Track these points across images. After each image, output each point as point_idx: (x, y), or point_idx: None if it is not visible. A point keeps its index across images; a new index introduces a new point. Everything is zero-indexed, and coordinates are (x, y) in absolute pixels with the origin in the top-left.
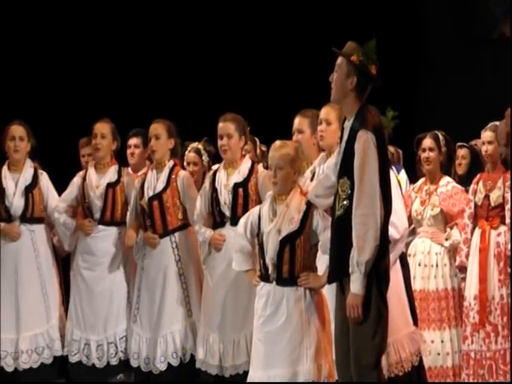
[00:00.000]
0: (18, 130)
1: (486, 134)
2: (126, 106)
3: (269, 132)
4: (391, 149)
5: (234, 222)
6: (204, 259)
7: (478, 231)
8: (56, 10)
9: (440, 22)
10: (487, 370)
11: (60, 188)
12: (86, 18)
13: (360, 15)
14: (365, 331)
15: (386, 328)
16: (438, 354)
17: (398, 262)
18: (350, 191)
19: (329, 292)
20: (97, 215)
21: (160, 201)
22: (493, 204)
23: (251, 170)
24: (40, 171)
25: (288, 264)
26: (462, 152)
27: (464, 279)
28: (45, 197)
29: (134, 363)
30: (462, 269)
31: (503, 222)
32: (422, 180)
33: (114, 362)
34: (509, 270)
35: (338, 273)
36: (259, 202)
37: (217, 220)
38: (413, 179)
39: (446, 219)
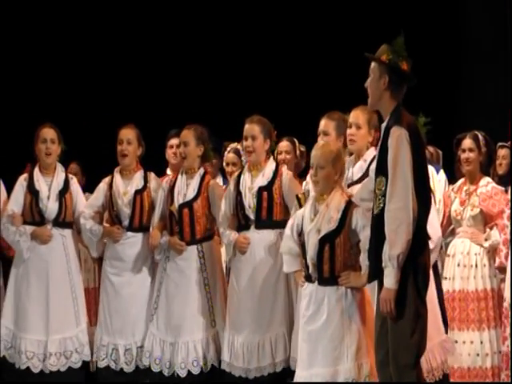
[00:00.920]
0: (49, 133)
1: None
2: (156, 109)
3: (299, 133)
4: (431, 149)
5: (259, 226)
6: (229, 261)
7: None
8: (80, 17)
9: (479, 23)
10: None
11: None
12: (112, 27)
13: (395, 17)
14: (402, 330)
15: (424, 328)
16: (478, 354)
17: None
18: (385, 189)
19: (373, 291)
20: (125, 222)
21: (190, 209)
22: None
23: (275, 173)
24: (70, 176)
25: (328, 263)
26: (502, 152)
27: (503, 280)
28: (74, 202)
29: (155, 368)
30: (502, 270)
31: None
32: (461, 180)
33: (142, 366)
34: None
35: (377, 271)
36: (284, 204)
37: (241, 223)
38: (452, 179)
39: (486, 220)
